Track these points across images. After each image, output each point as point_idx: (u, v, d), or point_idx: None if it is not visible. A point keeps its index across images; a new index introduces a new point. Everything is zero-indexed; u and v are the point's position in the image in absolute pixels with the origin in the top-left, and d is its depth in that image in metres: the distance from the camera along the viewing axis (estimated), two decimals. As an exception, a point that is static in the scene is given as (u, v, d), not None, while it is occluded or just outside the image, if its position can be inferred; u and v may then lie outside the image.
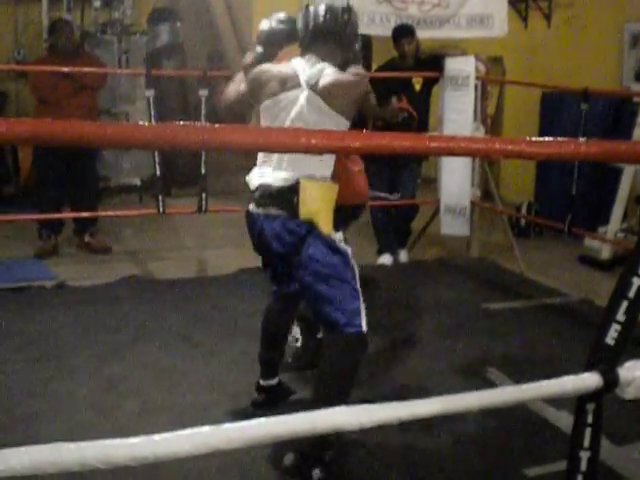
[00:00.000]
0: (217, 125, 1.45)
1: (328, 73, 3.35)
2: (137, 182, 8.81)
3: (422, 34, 6.77)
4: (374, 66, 6.99)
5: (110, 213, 7.18)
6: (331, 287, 3.28)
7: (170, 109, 8.15)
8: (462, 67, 6.61)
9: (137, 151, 8.35)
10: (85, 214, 6.57)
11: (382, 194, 6.42)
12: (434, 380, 4.28)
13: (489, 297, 5.81)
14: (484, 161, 6.88)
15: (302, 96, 3.32)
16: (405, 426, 3.23)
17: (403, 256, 6.75)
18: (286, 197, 3.28)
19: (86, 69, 6.53)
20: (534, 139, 1.76)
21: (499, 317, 5.43)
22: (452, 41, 7.81)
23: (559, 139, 1.74)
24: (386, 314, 4.75)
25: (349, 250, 3.34)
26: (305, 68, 3.39)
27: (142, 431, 1.54)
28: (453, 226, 6.84)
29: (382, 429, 1.69)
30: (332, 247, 3.29)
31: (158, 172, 6.08)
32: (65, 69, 6.27)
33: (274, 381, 3.89)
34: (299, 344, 4.55)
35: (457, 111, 6.61)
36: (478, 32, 7.12)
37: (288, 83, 3.36)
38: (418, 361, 4.59)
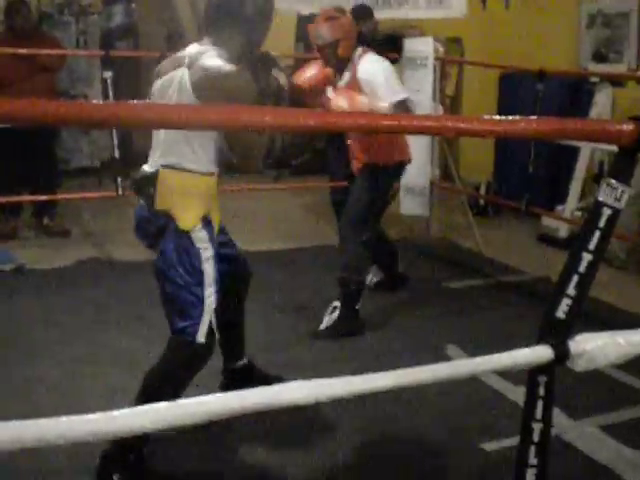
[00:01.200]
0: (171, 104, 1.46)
1: (208, 56, 3.09)
2: (96, 164, 8.75)
3: (381, 14, 6.77)
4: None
5: (69, 196, 7.13)
6: (172, 287, 3.10)
7: (126, 92, 8.08)
8: (420, 48, 6.64)
9: (96, 133, 8.31)
10: (44, 197, 6.53)
11: None
12: (392, 358, 4.32)
13: (448, 276, 5.88)
14: (443, 141, 6.93)
15: (179, 74, 3.10)
16: (361, 401, 3.27)
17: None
18: (145, 185, 3.14)
19: (44, 50, 6.47)
20: (486, 117, 1.79)
21: (458, 295, 5.50)
22: (410, 22, 7.82)
23: (510, 117, 1.78)
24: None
25: (207, 253, 3.10)
26: (192, 51, 3.17)
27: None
28: (413, 206, 6.89)
29: (334, 403, 1.72)
30: (184, 246, 3.08)
31: (117, 154, 6.06)
32: (22, 50, 6.21)
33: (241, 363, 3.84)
34: (336, 313, 4.71)
35: (416, 91, 6.64)
36: (437, 13, 7.14)
37: (175, 64, 3.15)
38: (377, 339, 4.65)
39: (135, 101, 1.50)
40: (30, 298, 5.16)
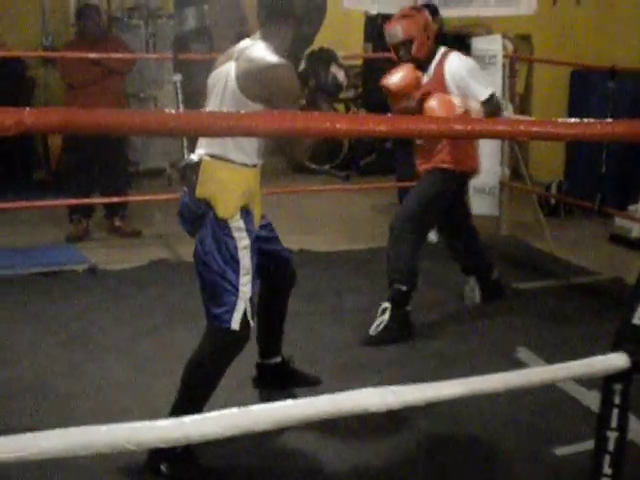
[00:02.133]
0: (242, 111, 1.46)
1: (255, 49, 3.14)
2: (166, 166, 8.84)
3: (449, 13, 6.73)
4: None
5: (139, 198, 7.22)
6: (209, 275, 3.18)
7: (197, 93, 8.15)
8: (489, 46, 6.57)
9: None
10: (115, 199, 6.62)
11: None
12: (463, 361, 4.28)
13: (519, 277, 5.79)
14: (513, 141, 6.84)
15: (227, 68, 3.17)
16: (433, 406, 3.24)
17: (432, 236, 6.72)
18: (188, 173, 3.20)
19: (113, 54, 6.56)
20: (560, 120, 1.76)
21: (529, 296, 5.42)
22: (477, 20, 7.73)
23: (585, 120, 1.74)
24: (416, 294, 4.76)
25: (244, 243, 3.17)
26: (243, 45, 3.23)
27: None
28: (483, 206, 6.82)
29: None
30: (222, 235, 3.15)
31: (187, 155, 6.10)
32: (93, 55, 6.31)
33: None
34: (386, 315, 4.60)
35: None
36: (507, 10, 7.06)
37: (227, 58, 3.23)
38: (447, 341, 4.61)
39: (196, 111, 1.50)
40: (102, 298, 5.24)
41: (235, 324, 3.15)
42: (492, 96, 4.53)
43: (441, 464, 3.35)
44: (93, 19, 6.74)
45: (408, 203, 4.76)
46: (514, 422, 3.67)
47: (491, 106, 4.48)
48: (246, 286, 3.17)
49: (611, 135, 1.71)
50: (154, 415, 1.56)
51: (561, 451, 3.41)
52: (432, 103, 4.43)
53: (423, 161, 4.88)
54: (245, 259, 3.17)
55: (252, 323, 3.24)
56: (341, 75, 3.30)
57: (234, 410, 1.57)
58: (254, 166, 3.24)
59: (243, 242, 3.17)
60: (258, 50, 3.13)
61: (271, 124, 1.35)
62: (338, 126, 1.46)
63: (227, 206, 3.15)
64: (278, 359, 3.89)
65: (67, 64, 6.74)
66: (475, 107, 4.42)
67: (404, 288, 4.63)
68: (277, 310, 3.76)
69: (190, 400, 3.18)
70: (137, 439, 1.41)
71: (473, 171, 4.93)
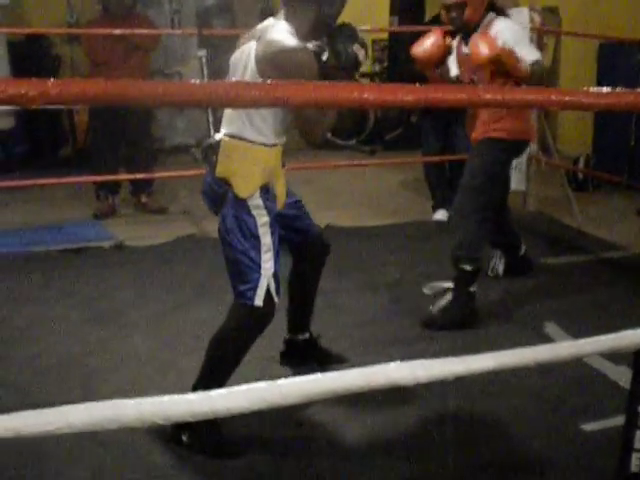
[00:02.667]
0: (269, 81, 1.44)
1: (275, 30, 3.13)
2: (192, 142, 8.83)
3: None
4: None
5: (165, 174, 7.23)
6: (232, 252, 3.22)
7: (223, 69, 8.12)
8: (516, 19, 6.48)
9: (191, 111, 8.36)
10: (141, 175, 6.63)
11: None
12: (491, 335, 4.27)
13: (547, 252, 5.75)
14: (541, 114, 6.77)
15: (249, 47, 3.17)
16: (460, 379, 3.23)
17: (441, 215, 6.69)
18: (210, 154, 3.25)
19: (138, 31, 6.54)
20: (591, 89, 1.72)
21: (557, 271, 5.38)
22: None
23: (617, 89, 1.71)
24: (440, 269, 4.74)
25: (263, 220, 3.19)
26: (265, 24, 3.23)
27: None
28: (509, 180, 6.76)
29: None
30: (242, 213, 3.18)
31: (212, 132, 6.10)
32: (117, 31, 6.30)
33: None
34: (448, 297, 4.52)
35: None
36: (533, -19, 6.96)
37: (250, 37, 3.22)
38: (475, 316, 4.57)
39: (225, 80, 1.48)
40: (129, 274, 5.26)
41: (259, 301, 3.19)
42: (538, 61, 4.39)
43: (467, 437, 3.34)
44: (117, -4, 6.70)
45: (467, 178, 4.57)
46: (541, 398, 3.66)
47: (536, 68, 4.33)
48: (268, 263, 3.20)
49: (644, 104, 1.67)
50: (180, 391, 1.56)
51: (589, 427, 3.39)
52: (474, 39, 4.33)
53: (479, 131, 4.67)
54: (266, 236, 3.20)
55: (276, 300, 3.26)
56: (362, 54, 3.28)
57: (262, 384, 1.56)
58: (273, 145, 3.24)
59: (262, 219, 3.20)
60: (277, 32, 3.11)
61: (298, 94, 1.33)
62: (366, 96, 1.44)
63: (246, 185, 3.18)
64: (306, 335, 3.91)
65: (92, 41, 6.72)
66: (524, 56, 4.29)
67: (469, 268, 4.46)
68: (308, 287, 3.78)
69: (213, 374, 3.23)
70: (164, 413, 1.41)
71: (529, 140, 4.83)
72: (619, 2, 7.99)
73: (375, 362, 1.66)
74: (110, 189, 6.76)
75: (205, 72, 5.91)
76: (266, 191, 3.22)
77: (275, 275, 3.23)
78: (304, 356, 3.91)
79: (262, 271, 3.18)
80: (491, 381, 3.60)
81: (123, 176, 6.83)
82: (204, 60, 5.96)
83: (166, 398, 1.46)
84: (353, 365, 3.49)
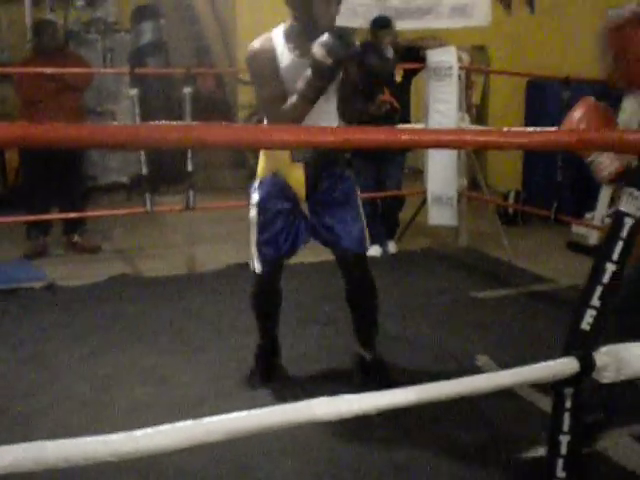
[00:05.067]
0: (194, 123, 1.47)
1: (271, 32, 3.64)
2: (125, 180, 8.81)
3: (404, 25, 6.77)
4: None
5: (98, 213, 7.19)
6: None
7: (155, 107, 8.15)
8: (444, 58, 6.62)
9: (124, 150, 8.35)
10: (73, 214, 6.58)
11: None
12: (422, 369, 4.30)
13: (477, 286, 5.84)
14: (470, 150, 6.90)
15: None
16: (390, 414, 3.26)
17: (392, 247, 6.79)
18: None
19: (70, 69, 6.53)
20: (505, 129, 1.78)
21: (487, 305, 5.46)
22: (434, 32, 7.78)
23: (529, 129, 1.77)
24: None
25: (254, 200, 3.78)
26: None
27: (133, 428, 1.56)
28: (441, 216, 6.87)
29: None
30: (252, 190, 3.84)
31: (145, 170, 6.10)
32: (49, 70, 6.27)
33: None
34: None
35: (442, 102, 6.63)
36: (460, 22, 7.11)
37: None
38: (406, 351, 4.61)
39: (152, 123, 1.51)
40: (60, 315, 5.19)
41: (257, 269, 3.83)
42: None
43: (399, 471, 3.35)
44: (49, 34, 6.68)
45: None
46: (473, 428, 3.69)
47: None
48: (254, 235, 3.78)
49: (554, 143, 1.73)
50: (113, 430, 1.56)
51: (522, 456, 3.43)
52: None
53: None
54: (252, 212, 3.78)
55: (258, 269, 3.82)
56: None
57: (187, 422, 1.57)
58: None
59: (254, 199, 3.77)
60: (261, 36, 3.60)
61: (212, 136, 1.36)
62: (285, 137, 1.47)
63: (260, 168, 3.79)
64: (369, 354, 4.10)
65: (23, 80, 6.69)
66: None
67: None
68: (349, 303, 4.03)
69: (259, 331, 4.09)
70: (86, 454, 1.41)
71: None
72: (545, 40, 8.20)
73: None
74: (41, 229, 6.69)
75: (137, 111, 5.92)
76: (272, 175, 3.74)
77: (259, 245, 3.76)
78: (368, 374, 4.08)
79: (254, 244, 3.80)
80: (422, 410, 3.63)
81: (54, 215, 6.77)
82: (136, 99, 5.97)
83: (89, 439, 1.46)
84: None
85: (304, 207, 3.81)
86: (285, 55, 3.53)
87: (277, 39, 3.56)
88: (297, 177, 3.74)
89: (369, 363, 4.08)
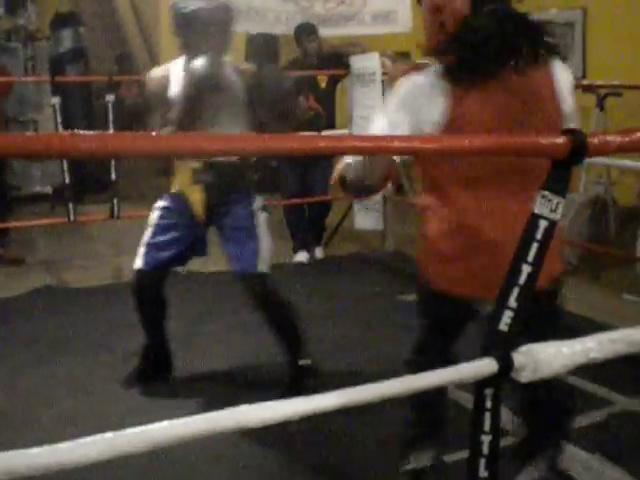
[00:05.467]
0: (109, 132, 1.46)
1: None
2: (48, 190, 8.69)
3: (327, 32, 6.82)
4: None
5: (21, 223, 7.07)
6: None
7: (78, 116, 8.05)
8: (367, 64, 6.69)
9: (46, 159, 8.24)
10: (-5, 225, 6.47)
11: None
12: (350, 373, 4.33)
13: (404, 289, 5.88)
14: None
15: None
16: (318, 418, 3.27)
17: (319, 252, 6.82)
18: None
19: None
20: (413, 136, 1.81)
21: (414, 308, 5.49)
22: (358, 38, 7.85)
23: (446, 135, 1.80)
24: (304, 311, 4.78)
25: (157, 204, 4.01)
26: None
27: (58, 442, 1.54)
28: (367, 221, 6.93)
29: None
30: None
31: (67, 180, 6.03)
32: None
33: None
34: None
35: (366, 107, 6.69)
36: (383, 28, 7.21)
37: None
38: (334, 355, 4.63)
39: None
40: (-17, 329, 5.10)
41: (137, 265, 3.95)
42: None
43: (322, 476, 3.37)
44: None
45: None
46: (398, 430, 3.72)
47: None
48: (146, 236, 3.94)
49: (468, 149, 1.76)
50: (39, 444, 1.54)
51: (450, 458, 3.46)
52: None
53: None
54: (153, 214, 3.96)
55: (141, 266, 3.93)
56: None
57: (109, 434, 1.56)
58: (180, 166, 3.97)
59: (159, 204, 3.97)
60: None
61: (128, 145, 1.36)
62: (205, 145, 1.48)
63: (172, 183, 4.02)
64: (299, 362, 4.16)
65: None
66: None
67: None
68: (263, 319, 4.08)
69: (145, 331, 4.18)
70: (4, 468, 1.40)
71: None
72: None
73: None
74: (-37, 241, 6.57)
75: (59, 119, 5.85)
76: (178, 193, 3.96)
77: (148, 246, 3.92)
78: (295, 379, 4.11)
79: (144, 242, 3.94)
80: (361, 413, 3.64)
81: (-24, 227, 6.65)
82: (58, 107, 5.90)
83: (9, 453, 1.44)
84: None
85: (201, 229, 4.02)
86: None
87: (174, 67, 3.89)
88: (197, 199, 3.94)
89: (296, 368, 4.09)
